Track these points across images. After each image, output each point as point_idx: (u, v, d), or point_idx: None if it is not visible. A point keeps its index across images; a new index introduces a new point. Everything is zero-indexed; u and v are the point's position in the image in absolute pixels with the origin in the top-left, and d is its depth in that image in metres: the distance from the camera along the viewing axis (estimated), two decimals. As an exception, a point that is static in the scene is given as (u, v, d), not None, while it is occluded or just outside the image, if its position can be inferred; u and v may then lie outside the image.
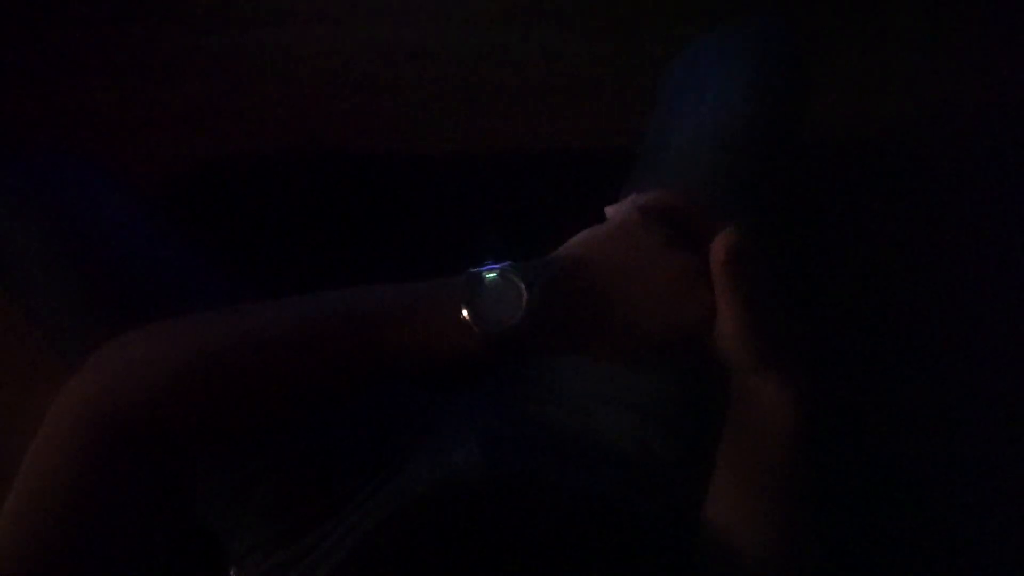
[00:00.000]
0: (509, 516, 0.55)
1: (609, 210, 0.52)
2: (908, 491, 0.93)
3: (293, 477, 0.65)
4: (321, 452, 0.66)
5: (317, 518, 0.65)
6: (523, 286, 0.45)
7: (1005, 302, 1.03)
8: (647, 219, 0.49)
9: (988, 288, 1.04)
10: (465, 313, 0.44)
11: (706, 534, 0.55)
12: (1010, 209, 1.08)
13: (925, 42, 1.17)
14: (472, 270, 0.46)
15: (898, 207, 1.09)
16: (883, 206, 1.09)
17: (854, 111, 1.13)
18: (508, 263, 0.46)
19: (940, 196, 1.09)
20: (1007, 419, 0.96)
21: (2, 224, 0.61)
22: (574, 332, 0.47)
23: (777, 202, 0.71)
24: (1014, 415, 0.96)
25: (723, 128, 0.70)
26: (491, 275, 0.45)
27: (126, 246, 0.63)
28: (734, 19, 0.77)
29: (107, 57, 1.09)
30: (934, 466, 0.94)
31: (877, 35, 1.17)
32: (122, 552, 0.40)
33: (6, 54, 1.07)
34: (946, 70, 1.16)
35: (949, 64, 1.16)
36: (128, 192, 0.66)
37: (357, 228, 1.03)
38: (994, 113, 1.14)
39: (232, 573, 0.73)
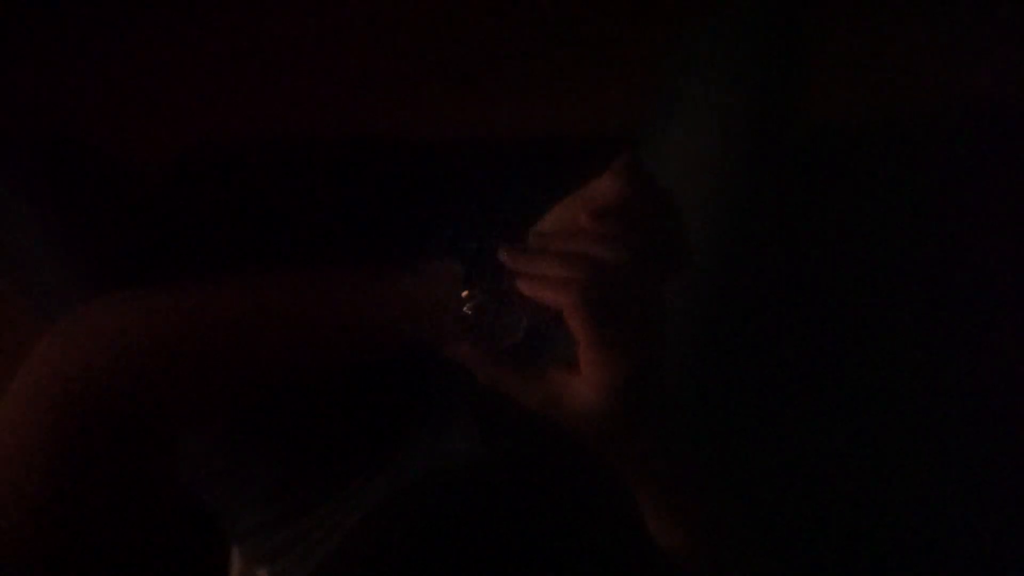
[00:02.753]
0: (508, 501, 0.56)
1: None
2: (905, 491, 0.93)
3: (293, 460, 0.65)
4: (321, 435, 0.67)
5: (317, 500, 0.65)
6: (523, 309, 0.42)
7: (1006, 297, 1.02)
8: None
9: (988, 282, 1.03)
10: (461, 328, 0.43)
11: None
12: (1010, 202, 1.06)
13: (924, 31, 1.16)
14: (467, 293, 0.43)
15: (895, 198, 1.08)
16: (880, 196, 1.08)
17: (852, 100, 1.12)
18: (500, 276, 0.43)
19: (938, 187, 1.08)
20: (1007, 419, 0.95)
21: (2, 202, 0.61)
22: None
23: (774, 191, 0.71)
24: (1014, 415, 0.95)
25: (722, 117, 0.69)
26: (487, 298, 0.43)
27: (120, 225, 0.63)
28: (734, 8, 0.76)
29: (107, 44, 1.09)
30: (932, 466, 0.94)
31: (876, 24, 1.16)
32: (101, 531, 0.40)
33: (7, 41, 1.07)
34: (945, 60, 1.14)
35: (948, 54, 1.15)
36: (124, 175, 0.67)
37: (352, 214, 1.03)
38: (994, 105, 1.13)
39: (235, 552, 0.75)
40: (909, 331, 1.02)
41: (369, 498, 0.65)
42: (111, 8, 1.10)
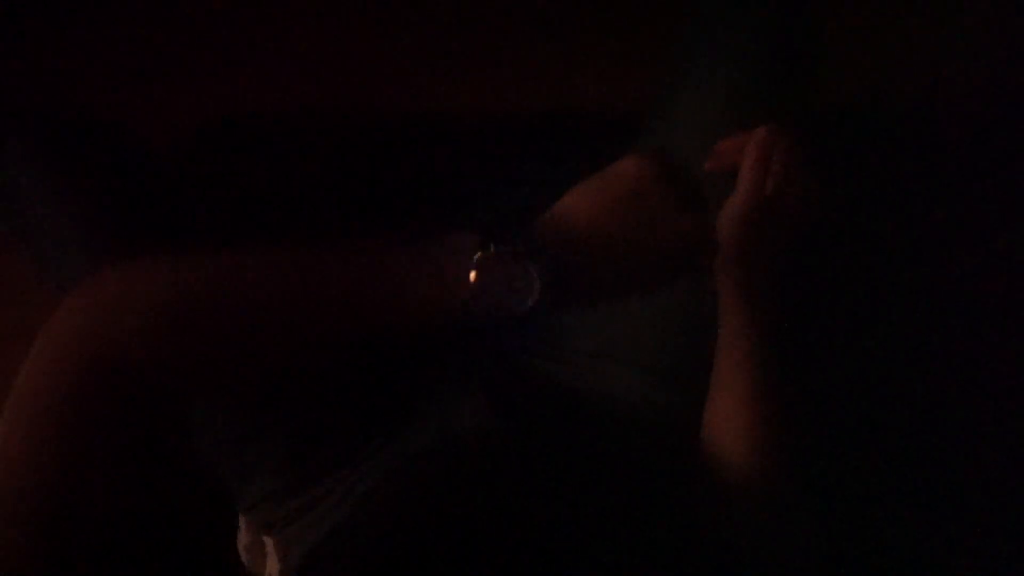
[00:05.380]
0: (516, 472, 0.56)
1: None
2: (907, 492, 0.93)
3: (301, 430, 0.66)
4: (329, 406, 0.67)
5: (326, 470, 0.66)
6: (535, 275, 0.43)
7: (1005, 286, 1.02)
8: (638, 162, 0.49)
9: (989, 272, 1.03)
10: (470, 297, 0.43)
11: (704, 457, 0.59)
12: (1012, 187, 1.06)
13: (935, 15, 1.15)
14: (479, 255, 0.43)
15: (901, 178, 1.07)
16: (886, 176, 1.07)
17: (862, 80, 1.11)
18: (513, 241, 0.44)
19: (944, 172, 1.08)
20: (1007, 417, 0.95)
21: (11, 169, 0.61)
22: (577, 294, 0.47)
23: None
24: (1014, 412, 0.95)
25: (734, 90, 0.70)
26: (499, 261, 0.43)
27: (127, 192, 0.63)
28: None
29: (112, 14, 1.08)
30: (933, 467, 0.94)
31: (888, 6, 1.15)
32: (114, 496, 0.40)
33: (21, 16, 1.06)
34: (951, 45, 1.14)
35: (954, 39, 1.14)
36: (131, 144, 0.66)
37: (358, 187, 1.02)
38: (999, 91, 1.12)
39: (243, 521, 0.75)
40: (910, 316, 1.02)
41: (376, 469, 0.65)
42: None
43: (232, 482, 0.68)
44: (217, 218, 0.69)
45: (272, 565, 0.72)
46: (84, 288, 0.42)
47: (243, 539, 0.76)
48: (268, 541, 0.73)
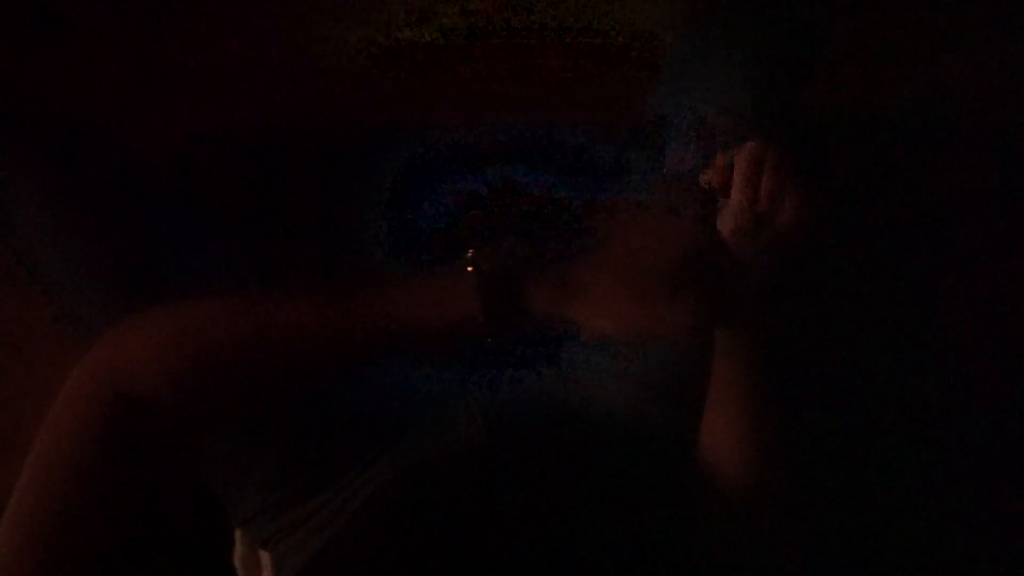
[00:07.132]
0: (509, 485, 0.57)
1: None
2: (905, 491, 0.92)
3: (295, 445, 0.66)
4: (324, 421, 0.67)
5: (320, 484, 0.66)
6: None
7: (1009, 283, 1.01)
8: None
9: (991, 270, 1.03)
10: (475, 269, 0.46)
11: (703, 468, 0.59)
12: (1015, 188, 1.06)
13: (936, 19, 1.15)
14: (471, 253, 0.47)
15: (902, 185, 1.07)
16: (887, 183, 1.07)
17: (861, 86, 1.11)
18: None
19: (945, 176, 1.07)
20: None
21: (16, 198, 0.61)
22: (570, 286, 0.48)
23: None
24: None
25: (731, 98, 0.70)
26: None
27: (138, 220, 0.64)
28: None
29: (112, 29, 1.09)
30: (932, 466, 0.93)
31: (887, 9, 1.15)
32: (132, 518, 0.44)
33: (9, 27, 1.07)
34: (952, 48, 1.14)
35: (956, 43, 1.14)
36: (139, 164, 0.67)
37: (360, 198, 1.02)
38: (1001, 93, 1.12)
39: (239, 535, 0.74)
40: (908, 322, 1.01)
41: (371, 483, 0.65)
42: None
43: (227, 496, 0.68)
44: (213, 228, 0.69)
45: (268, 579, 0.72)
46: (107, 337, 0.47)
47: (239, 553, 0.75)
48: (264, 555, 0.72)
